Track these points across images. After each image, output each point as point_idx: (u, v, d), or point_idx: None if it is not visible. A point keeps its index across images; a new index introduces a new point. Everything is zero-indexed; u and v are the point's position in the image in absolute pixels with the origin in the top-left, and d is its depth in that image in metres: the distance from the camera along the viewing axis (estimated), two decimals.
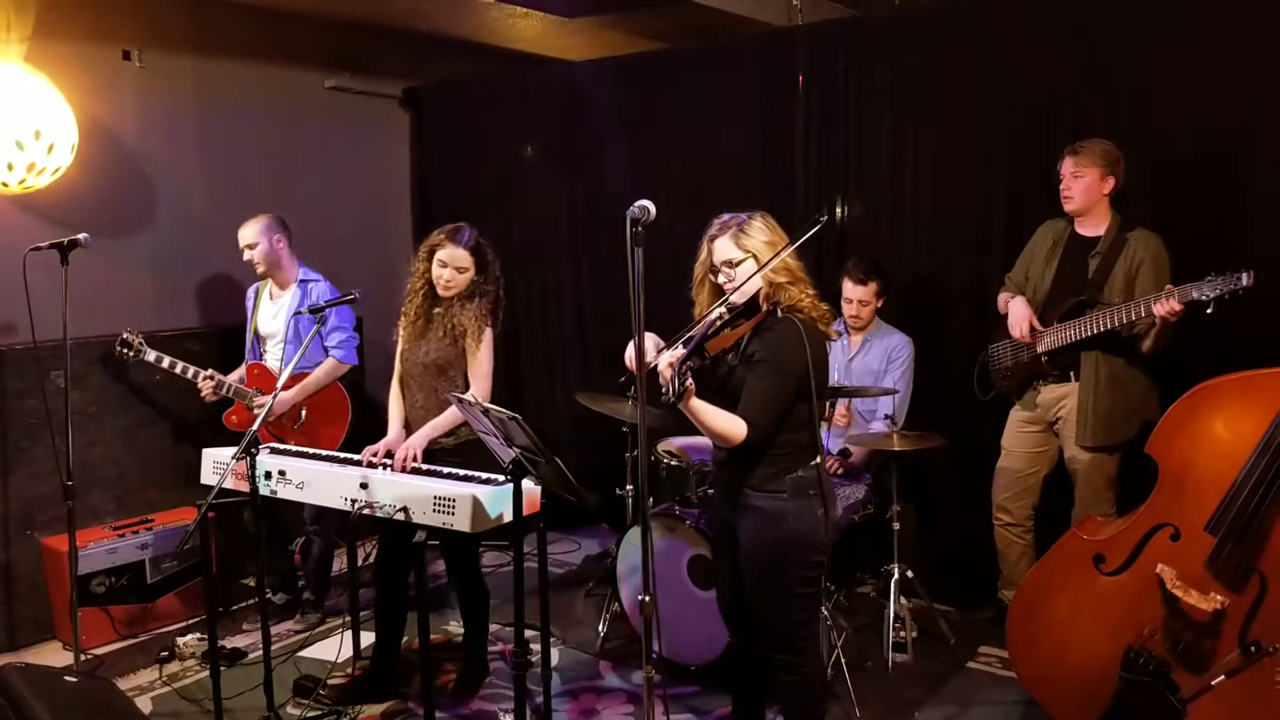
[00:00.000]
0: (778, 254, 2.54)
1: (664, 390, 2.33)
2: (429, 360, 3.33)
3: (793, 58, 4.40)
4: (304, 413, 4.07)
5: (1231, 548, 2.53)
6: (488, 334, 3.35)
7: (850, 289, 3.89)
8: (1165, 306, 3.01)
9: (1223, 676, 2.54)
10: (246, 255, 4.06)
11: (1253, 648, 2.52)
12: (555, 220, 5.31)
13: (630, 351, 2.43)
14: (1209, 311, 2.92)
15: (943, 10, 4.21)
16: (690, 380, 2.34)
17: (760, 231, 2.57)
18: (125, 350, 3.98)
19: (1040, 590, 2.95)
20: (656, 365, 2.37)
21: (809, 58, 4.37)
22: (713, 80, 4.70)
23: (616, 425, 4.18)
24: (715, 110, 4.68)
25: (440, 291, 3.33)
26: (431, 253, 3.33)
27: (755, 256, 2.55)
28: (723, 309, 2.57)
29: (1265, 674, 2.45)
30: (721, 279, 2.60)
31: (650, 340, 2.47)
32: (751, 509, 2.60)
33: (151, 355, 3.99)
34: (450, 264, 3.29)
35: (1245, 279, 2.86)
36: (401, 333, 3.43)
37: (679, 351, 2.37)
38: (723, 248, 2.58)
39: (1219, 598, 2.54)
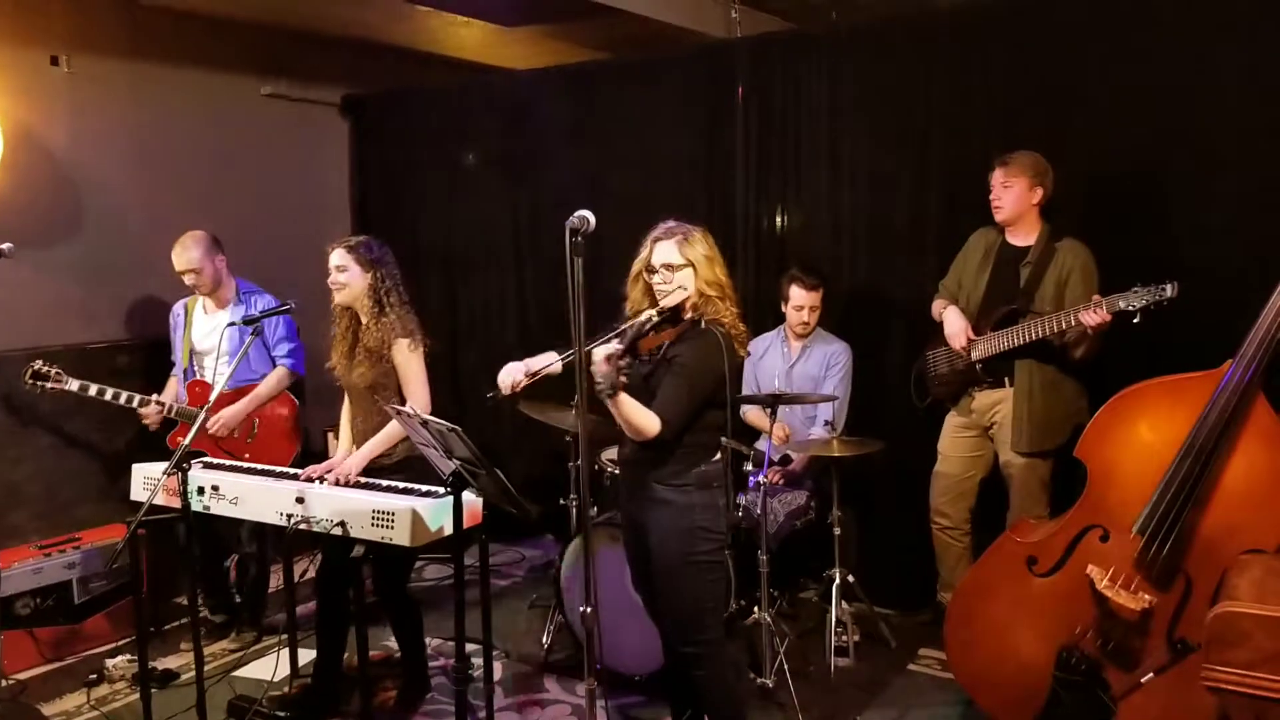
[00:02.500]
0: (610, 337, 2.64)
1: (599, 383, 2.41)
2: (361, 382, 3.29)
3: (732, 70, 4.45)
4: (257, 425, 3.98)
5: (1158, 548, 2.60)
6: (402, 343, 3.26)
7: (802, 295, 3.93)
8: (1094, 317, 3.10)
9: (1151, 674, 2.62)
10: (190, 279, 3.92)
11: (1180, 645, 2.60)
12: (497, 229, 5.28)
13: (505, 372, 2.59)
14: (1135, 321, 3.01)
15: (879, 25, 4.29)
16: (623, 376, 2.46)
17: (701, 244, 2.69)
18: (39, 383, 3.76)
19: (976, 593, 3.01)
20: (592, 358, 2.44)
21: (749, 70, 4.42)
22: (654, 91, 4.73)
23: (560, 434, 4.16)
24: (657, 121, 4.70)
25: (337, 297, 3.30)
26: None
27: (694, 266, 2.65)
28: (653, 313, 2.64)
29: (1192, 670, 2.51)
30: (657, 279, 2.67)
31: (519, 366, 2.61)
32: (660, 501, 2.70)
33: (74, 385, 3.79)
34: (333, 267, 3.27)
35: (1170, 290, 2.96)
36: (337, 360, 3.38)
37: (616, 347, 2.46)
38: (666, 251, 2.67)
39: (1147, 597, 2.61)
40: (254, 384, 3.94)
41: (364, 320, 3.29)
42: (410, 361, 3.28)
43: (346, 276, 3.26)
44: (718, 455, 2.74)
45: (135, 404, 3.88)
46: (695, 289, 2.66)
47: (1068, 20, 3.66)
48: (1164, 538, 2.58)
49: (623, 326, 2.63)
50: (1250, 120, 3.32)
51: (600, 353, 2.42)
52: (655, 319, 2.64)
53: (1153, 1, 3.50)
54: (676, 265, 2.64)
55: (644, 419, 2.56)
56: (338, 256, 3.27)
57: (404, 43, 5.60)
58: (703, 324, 2.67)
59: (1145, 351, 3.06)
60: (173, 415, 3.94)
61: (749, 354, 3.44)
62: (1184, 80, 3.42)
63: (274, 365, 4.00)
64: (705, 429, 2.69)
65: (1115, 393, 2.79)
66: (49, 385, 3.78)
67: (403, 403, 3.23)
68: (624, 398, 2.51)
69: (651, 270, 2.69)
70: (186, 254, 3.89)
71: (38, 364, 3.79)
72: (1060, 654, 2.77)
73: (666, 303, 2.65)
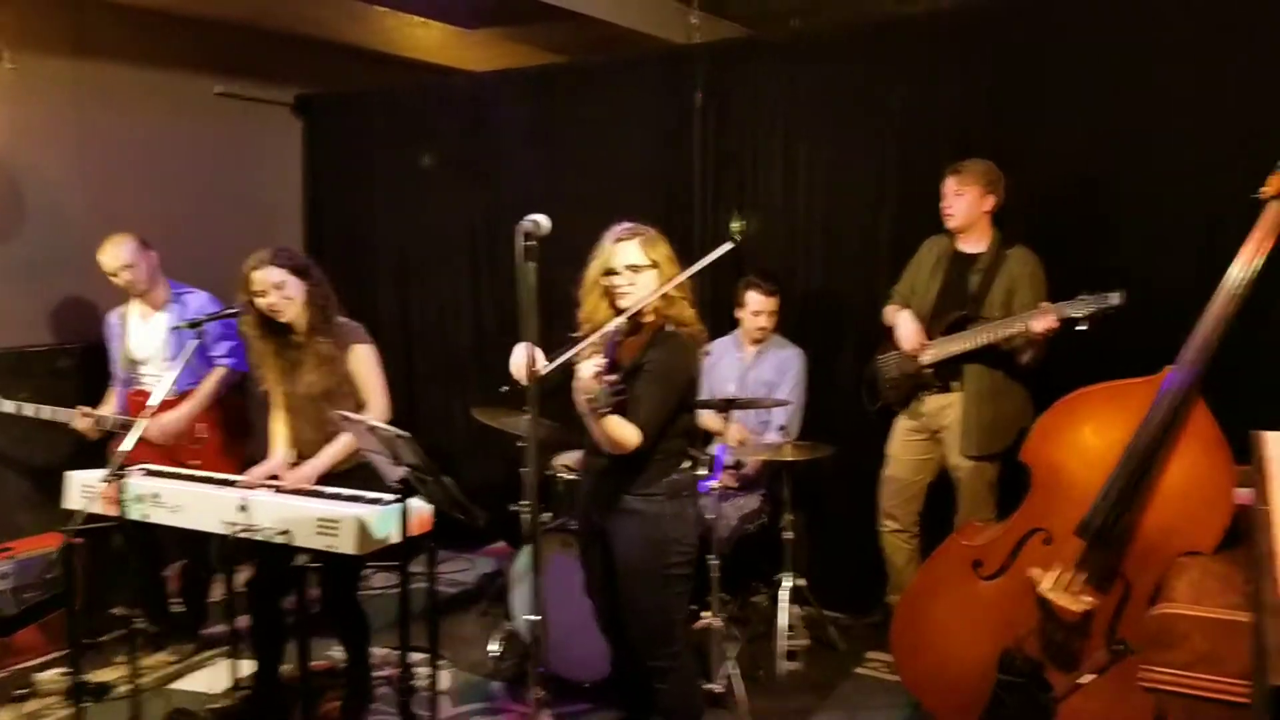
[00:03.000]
0: (689, 271, 2.59)
1: (593, 400, 2.34)
2: (313, 392, 3.17)
3: (691, 75, 4.46)
4: (204, 431, 3.89)
5: (1099, 551, 2.63)
6: (360, 349, 3.21)
7: (759, 301, 3.94)
8: (1042, 324, 3.14)
9: (1091, 675, 2.65)
10: (124, 277, 3.81)
11: (1119, 646, 2.63)
12: (453, 233, 5.24)
13: (517, 360, 2.46)
14: (1082, 329, 3.06)
15: (836, 33, 4.34)
16: (618, 394, 2.37)
17: (663, 245, 2.64)
18: None
19: (922, 595, 3.03)
20: (579, 374, 2.37)
21: (707, 76, 4.43)
22: (612, 95, 4.73)
23: (513, 440, 4.13)
24: (614, 125, 4.70)
25: (277, 318, 3.13)
26: (248, 288, 3.12)
27: (659, 267, 2.59)
28: (623, 320, 2.56)
29: (1130, 671, 2.54)
30: (619, 281, 2.60)
31: (532, 350, 2.42)
32: (630, 512, 2.64)
33: (9, 406, 3.70)
34: (266, 289, 3.08)
35: (1116, 299, 3.01)
36: (268, 376, 3.24)
37: (600, 361, 2.37)
38: (629, 251, 2.60)
39: (1088, 599, 2.64)
40: (193, 389, 3.84)
41: (301, 329, 3.15)
42: (372, 368, 3.22)
43: (288, 292, 3.10)
44: (687, 463, 2.71)
45: (65, 419, 3.77)
46: (660, 290, 2.58)
47: (1023, 30, 3.72)
48: (1104, 540, 2.62)
49: (590, 339, 2.54)
50: (1198, 131, 3.38)
51: (587, 370, 2.34)
52: (626, 326, 2.56)
53: (1106, 14, 3.55)
54: (641, 266, 2.58)
55: (624, 433, 2.49)
56: (274, 274, 3.08)
57: (360, 42, 5.54)
58: (668, 327, 2.62)
59: (1091, 358, 3.09)
60: (111, 428, 3.82)
61: (708, 354, 3.40)
62: (1135, 91, 3.48)
63: (212, 366, 3.88)
64: (676, 434, 2.66)
65: (1059, 397, 2.83)
66: None
67: (359, 409, 3.18)
68: (612, 415, 2.44)
69: (611, 273, 2.62)
70: (118, 250, 3.79)
71: None
72: (1003, 656, 2.79)
73: (630, 304, 2.57)
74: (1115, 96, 3.52)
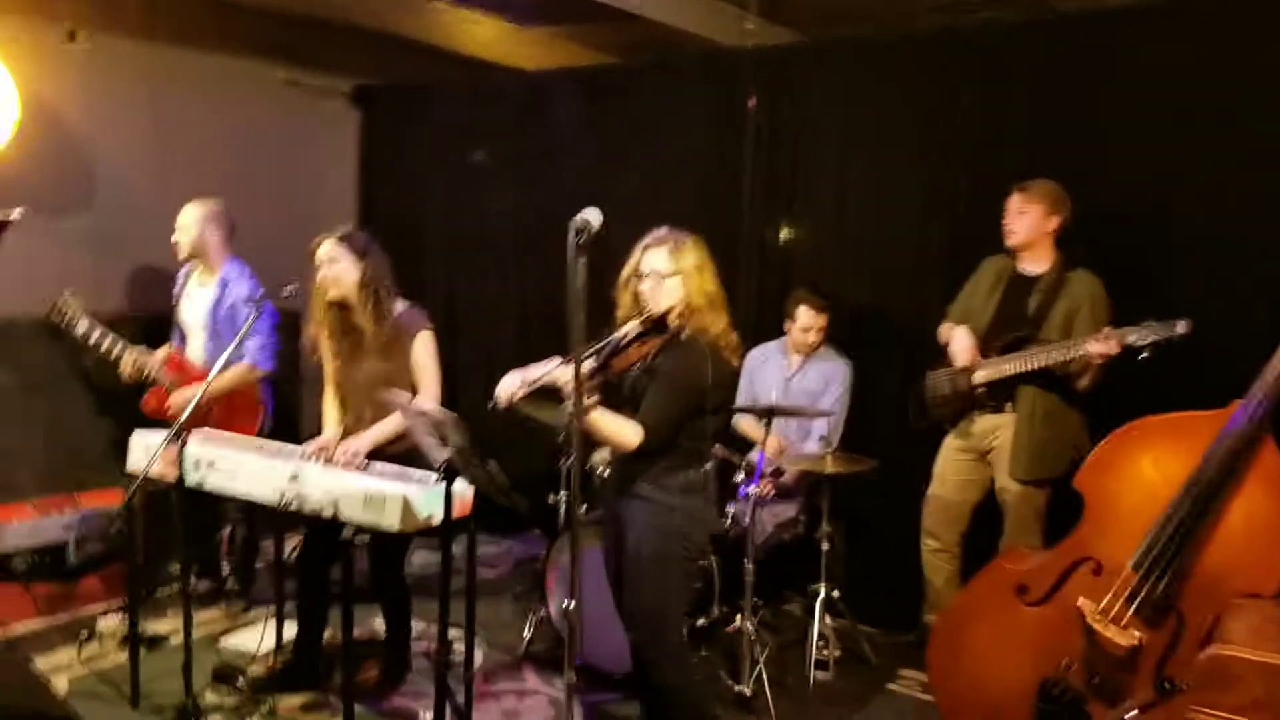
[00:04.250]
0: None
1: (569, 402, 2.38)
2: (372, 379, 3.23)
3: (743, 79, 4.44)
4: (213, 411, 3.92)
5: (1152, 585, 2.58)
6: (426, 335, 3.28)
7: (809, 317, 3.93)
8: (1101, 346, 3.09)
9: (1136, 711, 2.60)
10: (174, 237, 3.95)
11: (1167, 684, 2.58)
12: (501, 227, 5.27)
13: (503, 385, 2.58)
14: (1143, 357, 3.00)
15: (895, 41, 4.29)
16: (595, 396, 2.46)
17: (692, 253, 2.67)
18: (61, 315, 3.82)
19: (963, 617, 3.00)
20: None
21: (759, 80, 4.41)
22: (664, 97, 4.73)
23: (553, 432, 4.13)
24: (664, 127, 4.70)
25: (330, 293, 3.21)
26: (313, 261, 3.23)
27: (683, 275, 2.65)
28: (635, 324, 2.64)
29: (1177, 711, 2.50)
30: (645, 287, 2.66)
31: (517, 375, 2.58)
32: (642, 498, 2.70)
33: (82, 327, 3.83)
34: (322, 262, 3.20)
35: (1181, 327, 2.96)
36: (325, 355, 3.32)
37: (590, 365, 2.45)
38: (656, 259, 2.66)
39: (1137, 634, 2.59)
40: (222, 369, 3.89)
41: (361, 315, 3.21)
42: (430, 355, 3.30)
43: (339, 269, 3.19)
44: (706, 465, 2.74)
45: (119, 350, 3.86)
46: (683, 298, 2.65)
47: (1096, 48, 3.66)
48: (1159, 576, 2.57)
49: (607, 339, 2.62)
50: (1273, 159, 3.31)
51: (564, 377, 2.40)
52: (636, 331, 2.63)
53: (1181, 35, 3.49)
54: (665, 273, 2.64)
55: (623, 431, 2.56)
56: (328, 248, 3.20)
57: (418, 36, 5.59)
58: (685, 335, 2.66)
59: (1152, 388, 3.05)
60: (149, 375, 3.90)
61: (740, 363, 3.38)
62: (1209, 116, 3.42)
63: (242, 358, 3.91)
64: (695, 435, 2.69)
65: (1116, 426, 2.78)
66: (64, 321, 3.83)
67: (413, 394, 3.23)
68: (594, 416, 2.51)
69: (640, 276, 2.68)
70: (185, 213, 3.92)
71: (69, 293, 3.84)
72: (1044, 685, 2.75)
73: (651, 311, 2.65)
74: (1188, 121, 3.46)
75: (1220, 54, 3.41)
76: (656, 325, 2.67)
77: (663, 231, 2.71)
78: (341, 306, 3.25)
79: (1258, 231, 3.35)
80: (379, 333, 3.20)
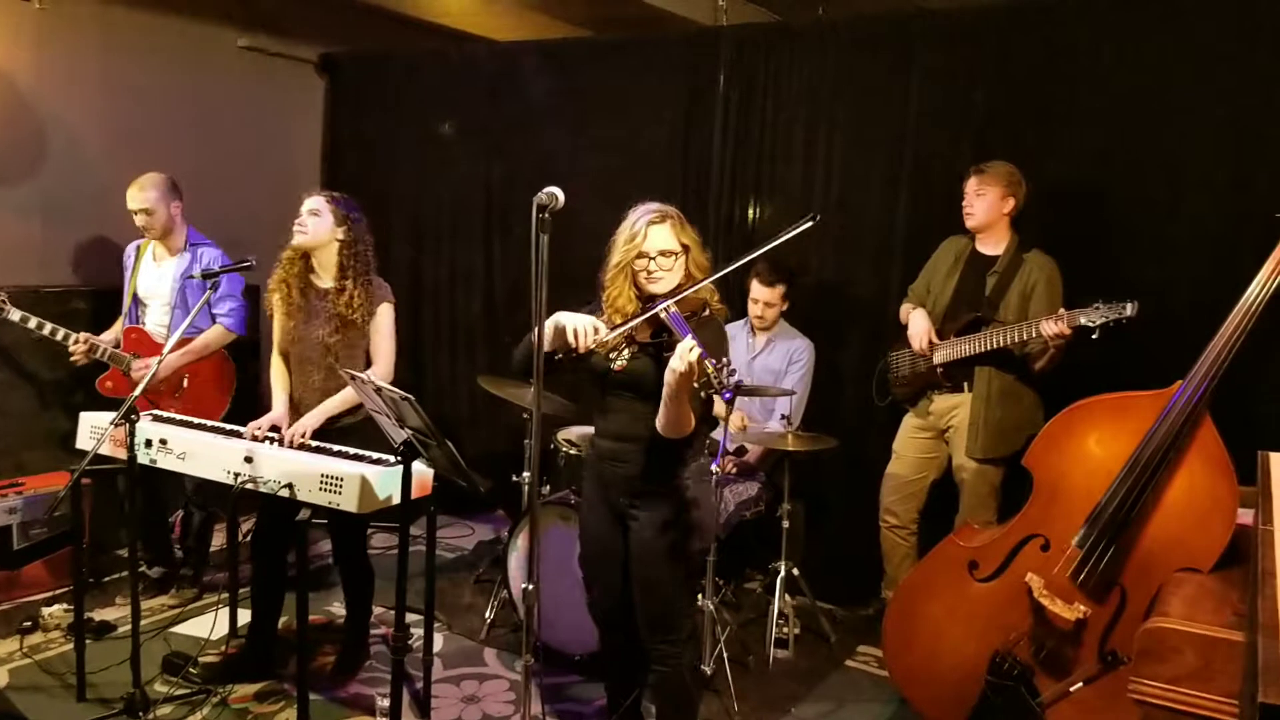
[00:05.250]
0: (770, 245, 2.51)
1: (706, 381, 2.20)
2: (328, 341, 3.19)
3: (715, 57, 4.44)
4: (186, 380, 3.92)
5: (1096, 560, 2.64)
6: (384, 309, 3.27)
7: (758, 290, 3.94)
8: (1054, 328, 3.13)
9: (1081, 683, 2.66)
10: (140, 220, 3.86)
11: (1110, 657, 2.65)
12: (469, 200, 5.23)
13: (570, 327, 2.38)
14: (1094, 338, 3.05)
15: (863, 24, 4.30)
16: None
17: (690, 227, 2.58)
18: None
19: (916, 593, 3.05)
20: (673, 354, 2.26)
21: (731, 58, 4.41)
22: (635, 72, 4.71)
23: (518, 411, 4.14)
24: (635, 102, 4.68)
25: (296, 238, 3.18)
26: (298, 214, 3.22)
27: (690, 251, 2.55)
28: (671, 303, 2.45)
29: (1120, 682, 2.56)
30: (652, 267, 2.51)
31: (590, 320, 2.42)
32: (664, 495, 2.60)
33: (16, 315, 3.74)
34: (306, 209, 3.19)
35: (1130, 309, 3.00)
36: (278, 307, 3.28)
37: (694, 343, 2.23)
38: (662, 236, 2.51)
39: (1082, 607, 2.65)
40: (191, 338, 3.86)
41: (328, 274, 3.20)
42: (389, 328, 3.28)
43: (316, 221, 3.17)
44: (707, 447, 2.73)
45: (62, 338, 3.80)
46: (691, 277, 2.55)
47: (1055, 32, 3.69)
48: (1103, 551, 2.63)
49: (636, 318, 2.46)
50: (1222, 144, 3.37)
51: (691, 352, 2.20)
52: (672, 307, 2.44)
53: (1132, 20, 3.53)
54: (674, 251, 2.51)
55: (690, 417, 2.43)
56: (314, 201, 3.20)
57: (386, 4, 5.51)
58: (706, 311, 2.60)
59: (1105, 369, 3.09)
60: (102, 357, 3.87)
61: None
62: (1159, 100, 3.47)
63: (213, 321, 3.92)
64: (706, 417, 2.64)
65: (1069, 405, 2.83)
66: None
67: (368, 365, 3.21)
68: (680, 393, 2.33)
69: (643, 256, 2.51)
70: (143, 194, 3.83)
71: None
72: (993, 658, 2.81)
73: (660, 289, 2.51)
74: (1139, 105, 3.51)
75: (1168, 32, 3.45)
76: (697, 309, 2.54)
77: (657, 205, 2.57)
78: (305, 260, 3.23)
79: (1204, 214, 3.40)
80: (345, 299, 3.17)
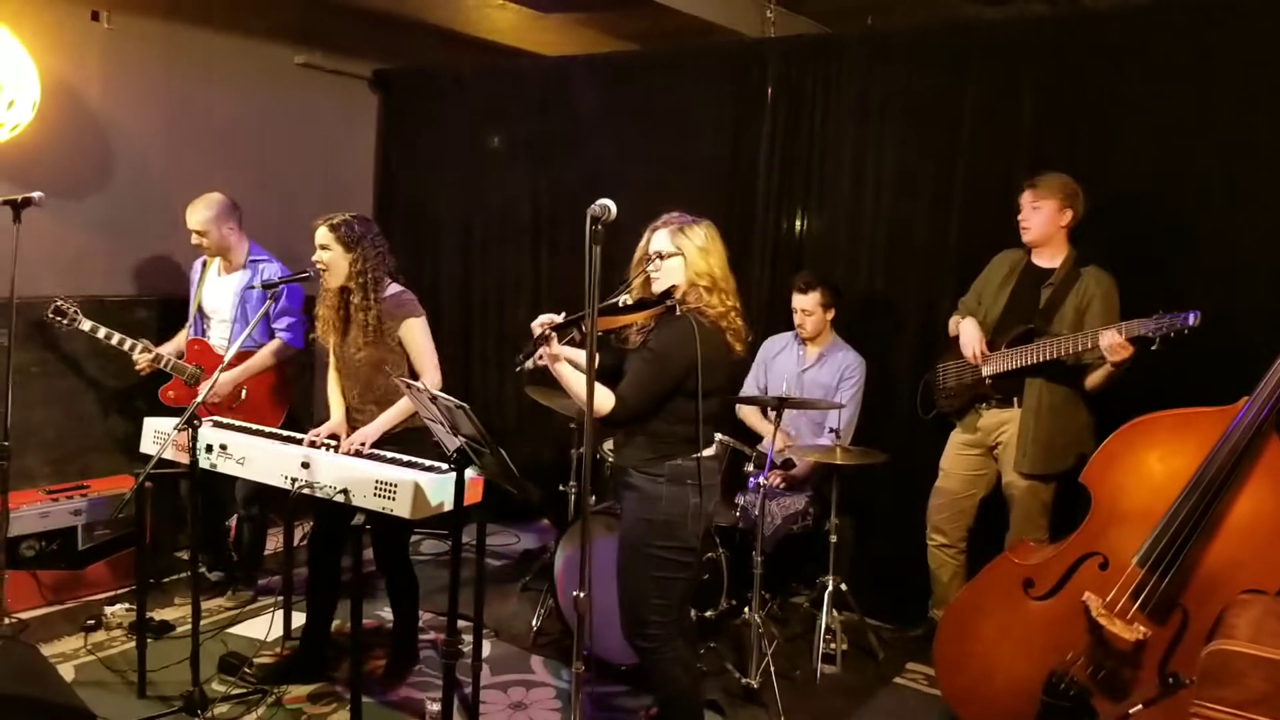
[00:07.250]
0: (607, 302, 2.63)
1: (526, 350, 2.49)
2: (361, 358, 3.29)
3: (763, 69, 4.44)
4: (244, 392, 4.00)
5: (1157, 580, 2.59)
6: (413, 322, 3.30)
7: (795, 298, 3.98)
8: (1111, 339, 3.07)
9: (1140, 706, 2.60)
10: (195, 240, 3.98)
11: (1171, 679, 2.58)
12: (518, 212, 5.28)
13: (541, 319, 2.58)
14: (1154, 348, 2.99)
15: (915, 33, 4.27)
16: (550, 346, 2.51)
17: (698, 236, 2.70)
18: (59, 319, 3.86)
19: (969, 611, 3.01)
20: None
21: (779, 71, 4.41)
22: (683, 85, 4.73)
23: (565, 421, 4.17)
24: (683, 115, 4.70)
25: (323, 279, 3.28)
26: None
27: (684, 255, 2.67)
28: (626, 297, 2.66)
29: (1181, 706, 2.50)
30: (651, 269, 2.70)
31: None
32: (632, 487, 2.73)
33: (87, 324, 3.88)
34: (317, 243, 3.26)
35: (1192, 319, 2.93)
36: (320, 327, 3.37)
37: (553, 318, 2.53)
38: (658, 239, 2.71)
39: (1142, 628, 2.60)
40: (251, 352, 3.95)
41: (355, 300, 3.26)
42: (422, 340, 3.32)
43: (329, 256, 3.24)
44: (706, 452, 2.71)
45: (129, 347, 3.92)
46: (685, 279, 2.68)
47: (1109, 43, 3.65)
48: (1164, 571, 2.58)
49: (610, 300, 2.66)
50: None
51: (537, 321, 2.51)
52: (628, 302, 2.66)
53: (1198, 33, 3.47)
54: (666, 253, 2.68)
55: (599, 397, 2.53)
56: (321, 235, 3.26)
57: (439, 21, 5.60)
58: (678, 311, 2.68)
59: (1162, 385, 3.04)
60: (165, 368, 3.97)
61: (744, 351, 3.34)
62: (1221, 112, 3.40)
63: (272, 336, 4.01)
64: (679, 419, 2.66)
65: (1122, 421, 2.78)
66: (65, 322, 3.86)
67: (414, 378, 3.26)
68: (560, 367, 2.57)
69: (648, 259, 2.72)
70: (197, 214, 3.94)
71: (60, 301, 3.88)
72: (1049, 678, 2.76)
73: (658, 287, 2.70)
74: (1201, 117, 3.44)
75: (1232, 44, 3.39)
76: (657, 303, 2.68)
77: (673, 214, 2.76)
78: (342, 287, 3.31)
79: (1269, 227, 3.32)
80: (366, 317, 3.24)
